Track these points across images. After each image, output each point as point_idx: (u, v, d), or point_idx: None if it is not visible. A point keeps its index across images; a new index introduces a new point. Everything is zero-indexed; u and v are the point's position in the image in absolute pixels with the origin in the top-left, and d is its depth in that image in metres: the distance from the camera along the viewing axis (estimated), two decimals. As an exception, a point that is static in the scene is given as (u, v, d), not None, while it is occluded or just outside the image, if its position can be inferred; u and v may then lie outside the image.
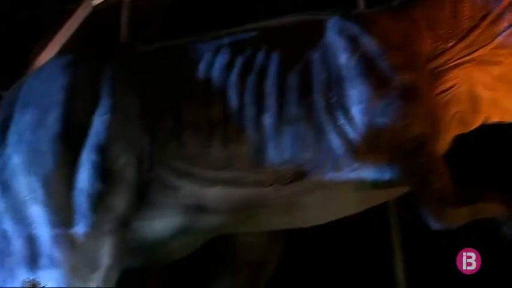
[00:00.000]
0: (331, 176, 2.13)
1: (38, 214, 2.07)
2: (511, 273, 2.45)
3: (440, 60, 2.25)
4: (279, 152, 2.12)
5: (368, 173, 2.13)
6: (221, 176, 2.14)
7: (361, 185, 2.17)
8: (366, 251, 2.97)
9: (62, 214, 2.06)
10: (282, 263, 2.68)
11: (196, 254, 2.46)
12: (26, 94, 2.32)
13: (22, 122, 2.24)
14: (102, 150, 2.10)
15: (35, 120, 2.19)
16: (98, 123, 2.14)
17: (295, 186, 2.14)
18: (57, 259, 2.01)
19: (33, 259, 2.05)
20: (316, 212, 2.25)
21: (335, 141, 2.12)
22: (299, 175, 2.12)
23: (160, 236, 2.24)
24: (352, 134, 2.11)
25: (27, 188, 2.12)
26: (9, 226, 2.15)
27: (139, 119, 2.18)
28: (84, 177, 2.08)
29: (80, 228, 2.04)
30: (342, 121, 2.12)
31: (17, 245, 2.11)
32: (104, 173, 2.08)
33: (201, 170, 2.14)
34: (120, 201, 2.08)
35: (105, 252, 2.05)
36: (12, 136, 2.24)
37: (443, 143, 2.32)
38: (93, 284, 2.02)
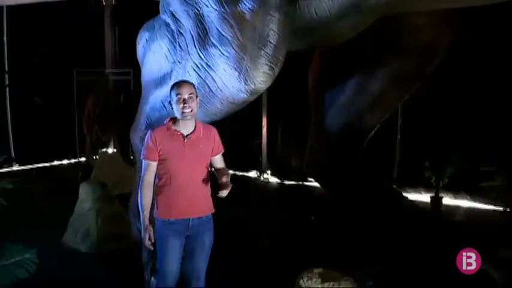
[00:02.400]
0: None
1: None
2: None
3: None
4: None
5: None
6: None
7: None
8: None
9: None
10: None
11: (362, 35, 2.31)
12: None
13: None
14: None
15: None
16: None
17: None
18: (226, 36, 2.00)
19: (203, 37, 2.07)
20: None
21: None
22: None
23: (328, 15, 2.09)
24: None
25: None
26: (177, 7, 2.15)
27: None
28: None
29: (247, 4, 1.97)
30: None
31: (187, 24, 2.13)
32: None
33: None
34: None
35: (273, 29, 1.98)
36: None
37: None
38: (262, 60, 2.00)
